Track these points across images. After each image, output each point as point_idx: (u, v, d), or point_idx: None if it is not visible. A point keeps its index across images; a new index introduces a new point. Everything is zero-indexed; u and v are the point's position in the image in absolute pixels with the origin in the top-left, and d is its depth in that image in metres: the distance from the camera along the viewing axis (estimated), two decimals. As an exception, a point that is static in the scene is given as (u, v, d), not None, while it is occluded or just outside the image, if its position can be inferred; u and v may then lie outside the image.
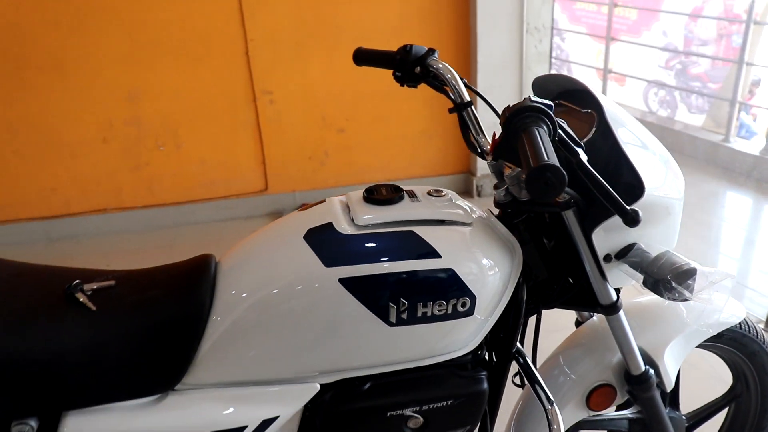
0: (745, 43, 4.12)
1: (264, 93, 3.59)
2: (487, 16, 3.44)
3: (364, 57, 1.43)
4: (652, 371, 1.34)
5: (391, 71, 1.38)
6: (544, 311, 1.31)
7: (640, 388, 1.34)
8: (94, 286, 1.12)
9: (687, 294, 1.02)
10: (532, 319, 1.36)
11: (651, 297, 1.43)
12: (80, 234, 3.67)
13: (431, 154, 3.94)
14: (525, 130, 0.93)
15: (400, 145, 3.86)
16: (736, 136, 4.37)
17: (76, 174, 3.59)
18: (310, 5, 3.47)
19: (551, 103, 0.97)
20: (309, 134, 3.73)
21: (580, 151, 0.98)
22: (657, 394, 1.37)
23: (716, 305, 1.30)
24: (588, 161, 0.97)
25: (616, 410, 1.53)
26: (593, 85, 1.21)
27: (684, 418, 1.57)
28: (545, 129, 0.94)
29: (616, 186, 0.99)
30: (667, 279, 1.03)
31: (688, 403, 1.62)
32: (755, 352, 1.52)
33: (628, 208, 0.95)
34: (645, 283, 1.08)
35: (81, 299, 1.09)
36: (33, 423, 1.07)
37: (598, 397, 1.37)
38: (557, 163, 0.85)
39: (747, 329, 1.49)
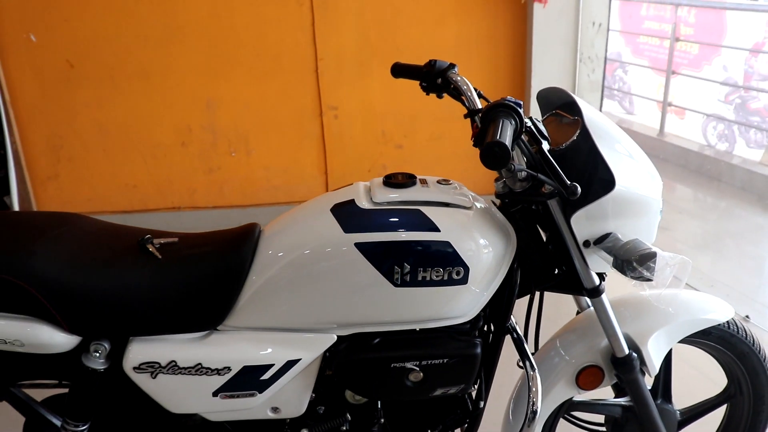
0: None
1: (330, 108, 3.87)
2: (542, 42, 3.62)
3: (399, 70, 1.66)
4: (635, 356, 1.49)
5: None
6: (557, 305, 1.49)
7: (624, 370, 1.50)
8: (161, 241, 1.39)
9: (647, 274, 1.19)
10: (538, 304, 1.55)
11: (641, 292, 1.58)
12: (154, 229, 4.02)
13: (482, 173, 4.10)
14: (493, 120, 1.14)
15: (453, 163, 4.06)
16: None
17: (155, 173, 3.94)
18: (374, 28, 3.74)
19: (520, 102, 1.19)
20: (369, 148, 3.98)
21: (544, 142, 1.24)
22: (641, 378, 1.52)
23: (681, 293, 1.43)
24: (565, 155, 1.19)
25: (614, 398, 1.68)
26: (585, 104, 1.39)
27: (677, 412, 1.70)
28: (512, 121, 1.15)
29: (592, 180, 1.19)
30: (630, 260, 1.21)
31: (683, 400, 1.75)
32: (745, 353, 1.64)
33: (569, 182, 1.19)
34: (614, 265, 1.26)
35: (150, 249, 1.35)
36: (106, 344, 1.34)
37: (586, 377, 1.53)
38: (506, 142, 1.08)
39: (735, 330, 1.61)
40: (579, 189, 1.19)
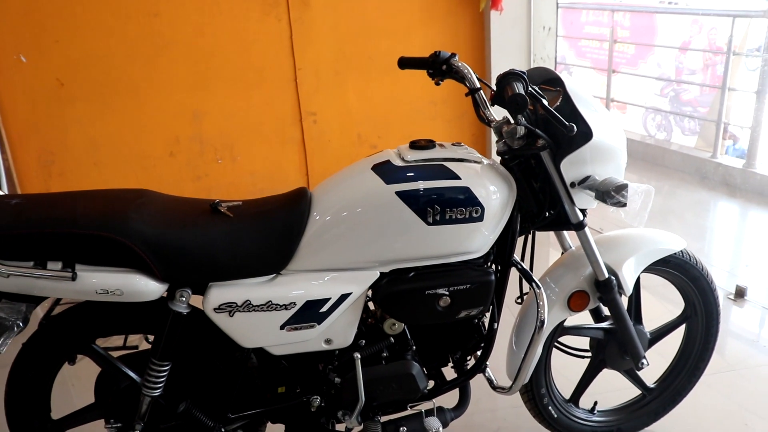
0: (727, 72, 4.69)
1: (309, 114, 4.18)
2: (499, 48, 4.03)
3: (405, 62, 1.98)
4: (614, 279, 1.85)
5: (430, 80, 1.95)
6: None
7: (605, 290, 1.86)
8: (229, 203, 1.67)
9: (623, 200, 1.56)
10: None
11: (617, 231, 1.96)
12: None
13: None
14: (508, 84, 1.50)
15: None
16: (725, 154, 4.90)
17: (145, 183, 4.11)
18: (348, 40, 4.08)
19: (525, 71, 1.55)
20: (346, 150, 4.30)
21: (543, 99, 1.59)
22: (619, 298, 1.88)
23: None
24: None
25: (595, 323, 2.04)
26: (566, 76, 1.76)
27: (648, 333, 2.07)
28: (521, 83, 1.51)
29: (575, 132, 1.55)
30: (609, 191, 1.58)
31: (652, 323, 2.12)
32: (696, 277, 2.03)
33: (567, 123, 1.54)
34: (596, 197, 1.63)
35: (222, 210, 1.64)
36: (189, 290, 1.61)
37: (575, 300, 1.88)
38: (523, 92, 1.47)
39: (688, 258, 2.00)
40: (575, 128, 1.55)
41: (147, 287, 1.56)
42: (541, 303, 1.77)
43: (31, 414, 1.75)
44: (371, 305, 1.80)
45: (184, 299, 1.61)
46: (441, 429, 1.79)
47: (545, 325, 1.76)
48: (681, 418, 2.29)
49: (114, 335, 1.77)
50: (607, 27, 6.56)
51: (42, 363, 1.72)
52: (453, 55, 1.86)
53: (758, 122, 4.65)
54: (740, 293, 3.16)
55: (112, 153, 4.08)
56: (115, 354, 1.77)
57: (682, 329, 2.19)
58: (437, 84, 1.96)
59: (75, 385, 2.34)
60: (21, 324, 1.57)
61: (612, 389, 2.28)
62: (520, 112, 1.53)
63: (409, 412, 1.85)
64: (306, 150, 4.24)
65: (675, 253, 1.98)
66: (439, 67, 1.86)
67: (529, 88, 1.58)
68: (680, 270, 2.01)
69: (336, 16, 4.01)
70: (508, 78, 1.55)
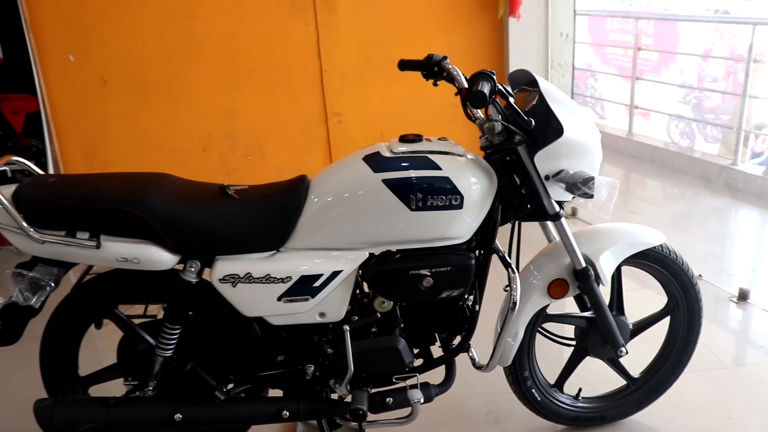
0: (747, 79, 4.73)
1: (334, 114, 4.38)
2: (517, 53, 4.17)
3: (404, 64, 2.15)
4: (591, 269, 1.98)
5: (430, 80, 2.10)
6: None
7: (582, 279, 1.99)
8: (237, 187, 1.87)
9: (589, 192, 1.70)
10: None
11: (599, 225, 2.09)
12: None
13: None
14: (475, 82, 1.66)
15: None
16: (748, 161, 4.93)
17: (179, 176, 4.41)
18: (371, 44, 4.29)
19: (494, 71, 1.71)
20: (369, 149, 4.48)
21: (510, 98, 1.76)
22: (596, 288, 2.01)
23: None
24: (528, 115, 1.74)
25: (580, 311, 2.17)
26: (541, 79, 1.90)
27: (630, 324, 2.19)
28: (488, 83, 1.66)
29: (548, 129, 1.71)
30: (576, 183, 1.72)
31: (636, 314, 2.24)
32: (676, 272, 2.13)
33: (526, 118, 1.72)
34: (566, 189, 1.77)
35: (230, 193, 1.84)
36: (198, 263, 1.81)
37: (555, 287, 2.02)
38: (485, 90, 1.62)
39: (668, 252, 2.11)
40: (533, 122, 1.70)
41: (161, 257, 1.77)
42: (514, 286, 1.92)
43: (61, 369, 1.98)
44: (366, 286, 1.97)
45: (193, 270, 1.81)
46: (422, 400, 1.94)
47: (517, 307, 1.91)
48: (666, 409, 2.39)
49: (133, 302, 1.99)
50: (632, 34, 6.62)
51: (71, 323, 1.94)
52: (444, 57, 2.02)
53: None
54: (743, 296, 3.23)
55: (149, 147, 4.35)
56: (136, 321, 1.98)
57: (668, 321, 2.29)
58: (435, 85, 2.12)
59: (100, 348, 2.57)
60: (53, 284, 1.80)
61: (602, 380, 2.40)
62: (479, 107, 1.69)
63: (397, 386, 2.01)
64: (331, 148, 4.45)
65: (655, 248, 2.09)
66: (432, 68, 2.02)
67: (498, 87, 1.73)
68: (660, 264, 2.12)
69: (360, 21, 4.21)
70: (477, 77, 1.71)
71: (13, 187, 1.77)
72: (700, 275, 3.41)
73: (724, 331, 3.03)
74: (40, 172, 1.94)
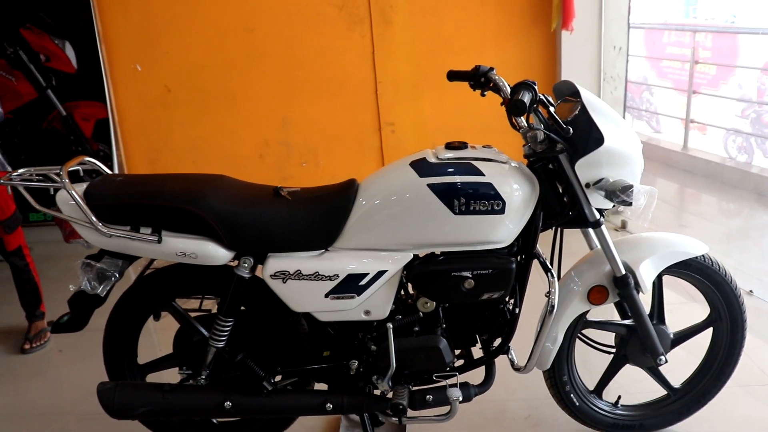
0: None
1: (387, 124, 4.49)
2: (569, 65, 4.19)
3: (453, 74, 2.23)
4: (630, 276, 2.01)
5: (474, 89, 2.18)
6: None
7: (622, 286, 2.01)
8: (289, 189, 1.98)
9: (627, 199, 1.74)
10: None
11: (641, 234, 2.11)
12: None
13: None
14: (517, 92, 1.73)
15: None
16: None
17: (236, 182, 4.59)
18: (425, 56, 4.37)
19: (535, 81, 1.77)
20: (420, 159, 4.56)
21: (551, 107, 1.81)
22: (636, 295, 2.03)
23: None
24: (570, 124, 1.79)
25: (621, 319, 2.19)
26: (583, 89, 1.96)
27: (671, 334, 2.20)
28: (529, 92, 1.73)
29: (589, 138, 1.76)
30: (615, 191, 1.77)
31: (678, 325, 2.25)
32: (719, 282, 2.13)
33: (564, 126, 1.78)
34: (605, 197, 1.82)
35: (282, 194, 1.95)
36: (251, 259, 1.92)
37: (594, 294, 2.05)
38: (525, 100, 1.69)
39: (710, 263, 2.11)
40: (572, 130, 1.76)
41: (217, 253, 1.89)
42: (553, 290, 1.96)
43: (121, 356, 2.12)
44: (410, 287, 2.05)
45: (246, 266, 1.92)
46: (461, 398, 1.99)
47: (555, 310, 1.95)
48: (707, 421, 2.39)
49: (189, 296, 2.12)
50: (689, 47, 6.53)
51: (132, 314, 2.09)
52: (491, 69, 2.09)
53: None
54: (796, 313, 3.17)
55: (209, 153, 4.54)
56: (192, 315, 2.11)
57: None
58: (482, 95, 2.18)
59: (157, 343, 2.73)
60: (118, 275, 1.95)
61: (643, 390, 2.41)
62: (519, 115, 1.75)
63: (437, 384, 2.08)
64: (384, 157, 4.55)
65: (697, 258, 2.10)
66: (479, 79, 2.09)
67: (540, 97, 1.79)
68: (702, 274, 2.13)
69: (415, 33, 4.31)
70: (518, 87, 1.78)
71: (84, 186, 1.93)
72: (751, 291, 3.37)
73: (776, 348, 2.99)
74: (109, 172, 2.10)
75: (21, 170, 1.94)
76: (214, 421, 2.25)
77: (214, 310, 2.07)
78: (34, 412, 2.69)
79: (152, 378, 2.19)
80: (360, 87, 4.42)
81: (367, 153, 4.55)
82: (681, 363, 2.36)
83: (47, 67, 4.42)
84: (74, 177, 1.96)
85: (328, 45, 4.34)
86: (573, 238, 2.11)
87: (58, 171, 1.89)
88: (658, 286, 2.15)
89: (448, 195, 1.84)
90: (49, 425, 2.59)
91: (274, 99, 4.44)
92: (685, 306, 2.99)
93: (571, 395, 2.23)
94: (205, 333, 2.05)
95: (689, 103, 5.63)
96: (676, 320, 2.25)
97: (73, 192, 1.86)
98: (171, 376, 2.17)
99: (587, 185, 1.89)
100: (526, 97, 1.71)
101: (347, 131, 4.51)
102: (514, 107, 1.71)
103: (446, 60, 4.35)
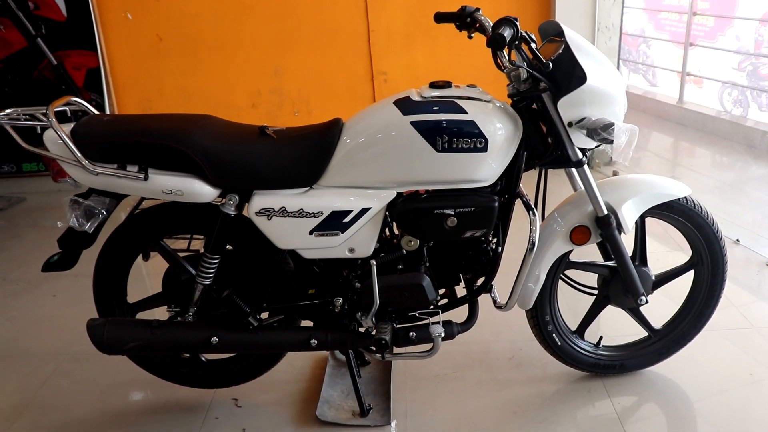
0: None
1: (380, 73, 4.47)
2: (564, 14, 4.15)
3: (440, 16, 2.22)
4: (612, 216, 2.04)
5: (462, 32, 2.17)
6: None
7: (604, 226, 2.04)
8: (275, 128, 1.99)
9: (609, 137, 1.75)
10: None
11: (624, 175, 2.13)
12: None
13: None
14: (498, 26, 1.73)
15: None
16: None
17: (229, 132, 4.59)
18: (418, 5, 4.33)
19: (517, 17, 1.77)
20: (413, 109, 4.56)
21: (533, 43, 1.83)
22: (618, 236, 2.06)
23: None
24: (554, 63, 1.81)
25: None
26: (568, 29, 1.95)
27: (652, 275, 2.23)
28: (510, 28, 1.74)
29: (571, 77, 1.76)
30: (596, 129, 1.78)
31: (659, 266, 2.28)
32: (701, 225, 2.15)
33: (545, 60, 1.79)
34: (587, 135, 1.83)
35: (268, 132, 1.96)
36: (236, 196, 1.94)
37: (577, 234, 2.08)
38: (504, 34, 1.70)
39: (693, 205, 2.13)
40: (551, 65, 1.76)
41: (202, 190, 1.90)
42: (534, 228, 1.99)
43: (111, 293, 2.16)
44: (395, 227, 2.07)
45: (231, 203, 1.94)
46: (443, 335, 2.04)
47: (536, 247, 1.99)
48: (686, 362, 2.44)
49: (177, 234, 2.14)
50: (687, -1, 6.47)
51: (122, 252, 2.11)
52: (477, 9, 2.08)
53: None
54: (781, 261, 3.21)
55: (201, 102, 4.52)
56: (180, 255, 2.14)
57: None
58: (469, 37, 2.17)
59: (148, 279, 2.77)
60: (105, 213, 1.97)
61: (624, 334, 2.47)
62: (498, 49, 1.75)
63: (420, 322, 2.12)
64: (375, 107, 4.53)
65: (679, 200, 2.12)
66: (464, 19, 2.08)
67: (521, 33, 1.79)
68: (684, 216, 2.15)
69: (408, -18, 4.26)
70: (499, 23, 1.77)
71: (71, 125, 1.94)
72: (737, 240, 3.40)
73: (756, 295, 3.03)
74: (96, 112, 2.10)
75: (8, 110, 1.95)
76: (203, 359, 2.31)
77: (202, 251, 2.10)
78: (29, 353, 2.74)
79: (141, 317, 2.23)
80: (353, 36, 4.39)
81: (359, 102, 4.54)
82: (662, 308, 2.40)
83: (36, 15, 4.37)
84: (62, 118, 1.96)
85: (320, -7, 4.29)
86: (562, 186, 2.13)
87: (44, 111, 1.90)
88: (640, 227, 2.18)
89: (430, 132, 1.85)
90: (44, 366, 2.64)
91: (266, 48, 4.41)
92: (670, 254, 3.03)
93: (554, 335, 2.27)
94: (193, 271, 2.08)
95: (686, 56, 5.58)
96: (659, 267, 2.28)
97: (60, 131, 1.87)
98: (160, 315, 2.21)
99: (570, 124, 1.90)
100: (507, 32, 1.71)
101: (340, 80, 4.49)
102: (494, 41, 1.70)
103: (439, 8, 4.28)
